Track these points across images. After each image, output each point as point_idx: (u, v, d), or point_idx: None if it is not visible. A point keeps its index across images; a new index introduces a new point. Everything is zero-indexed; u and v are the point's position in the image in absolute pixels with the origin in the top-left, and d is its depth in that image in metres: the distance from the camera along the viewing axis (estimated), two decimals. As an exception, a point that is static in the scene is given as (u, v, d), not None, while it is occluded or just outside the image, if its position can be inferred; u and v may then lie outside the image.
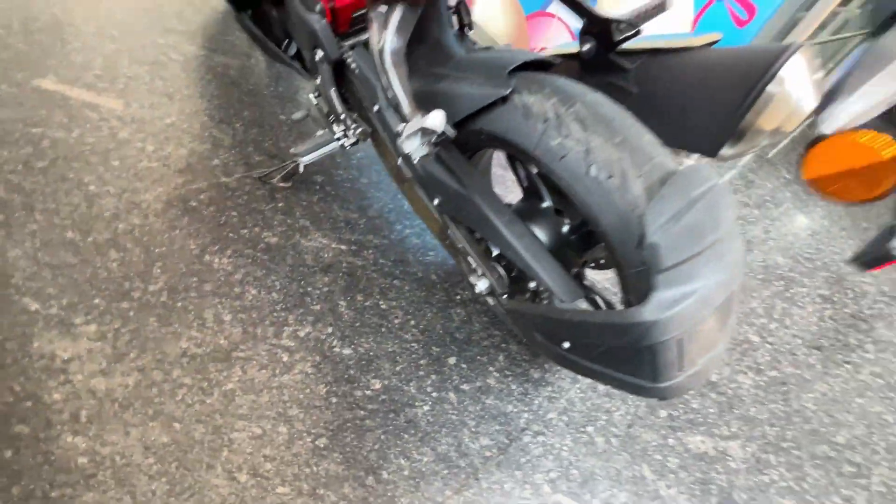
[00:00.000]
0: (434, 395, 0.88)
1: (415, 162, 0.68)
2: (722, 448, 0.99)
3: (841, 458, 1.07)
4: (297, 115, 1.00)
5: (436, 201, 0.73)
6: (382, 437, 0.80)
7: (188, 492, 0.68)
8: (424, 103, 0.67)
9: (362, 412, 0.82)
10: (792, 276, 1.49)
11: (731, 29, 1.20)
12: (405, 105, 0.62)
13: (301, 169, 0.99)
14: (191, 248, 0.92)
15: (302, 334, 0.88)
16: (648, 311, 0.50)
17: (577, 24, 1.48)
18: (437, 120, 0.58)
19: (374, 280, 1.00)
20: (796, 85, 0.55)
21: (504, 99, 0.60)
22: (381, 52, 0.62)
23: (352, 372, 0.86)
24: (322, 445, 0.77)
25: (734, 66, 0.59)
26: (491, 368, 0.95)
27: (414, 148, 0.60)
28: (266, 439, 0.75)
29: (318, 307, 0.92)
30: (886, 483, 1.06)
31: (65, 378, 0.72)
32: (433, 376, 0.90)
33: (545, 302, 0.77)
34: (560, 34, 1.60)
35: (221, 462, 0.71)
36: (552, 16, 1.59)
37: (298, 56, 0.94)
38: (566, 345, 0.62)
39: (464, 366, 0.93)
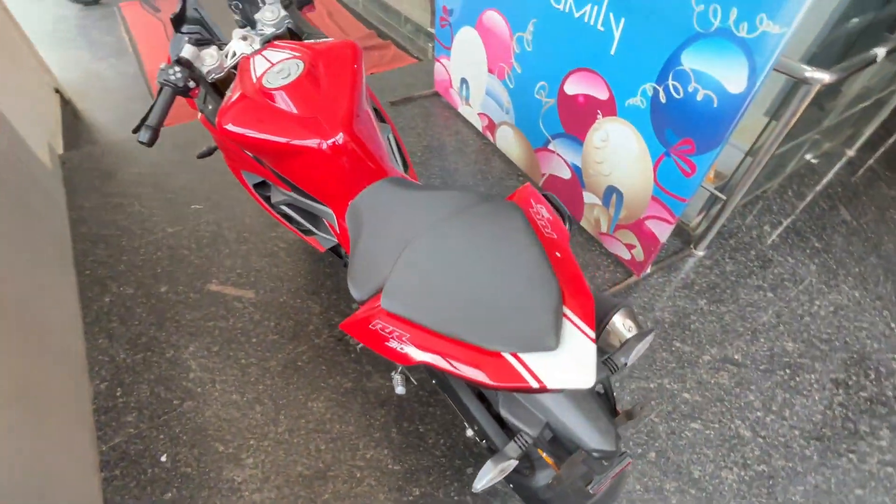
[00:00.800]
0: (456, 498, 1.28)
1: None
2: (695, 540, 1.22)
3: (823, 549, 1.22)
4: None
5: (435, 381, 1.15)
6: (420, 530, 1.22)
7: (307, 567, 1.16)
8: None
9: (407, 512, 1.25)
10: (801, 363, 1.61)
11: (681, 178, 1.46)
12: None
13: (359, 349, 1.48)
14: (299, 398, 1.45)
15: (368, 456, 1.35)
16: (534, 481, 0.86)
17: (572, 158, 1.83)
18: (399, 389, 1.02)
19: (416, 409, 1.44)
20: (620, 323, 0.88)
21: None
22: None
23: (400, 483, 1.30)
24: (382, 536, 1.21)
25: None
26: (498, 475, 1.31)
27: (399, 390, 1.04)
28: (349, 532, 1.21)
29: (378, 434, 1.38)
30: (873, 575, 1.18)
31: (239, 494, 1.26)
32: (455, 483, 1.30)
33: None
34: (560, 165, 1.95)
35: (324, 547, 1.19)
36: (553, 151, 1.95)
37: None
38: (511, 485, 0.98)
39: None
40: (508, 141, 2.26)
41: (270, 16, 1.19)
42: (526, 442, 0.72)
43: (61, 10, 3.78)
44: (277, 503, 1.25)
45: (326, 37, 1.35)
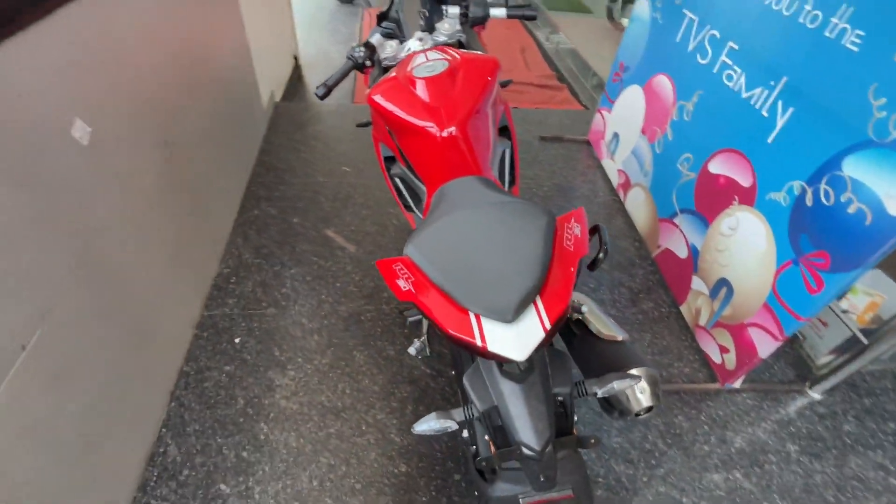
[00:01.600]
0: (434, 493, 1.30)
1: None
2: None
3: None
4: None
5: (454, 373, 1.21)
6: (391, 502, 1.28)
7: (305, 461, 1.31)
8: None
9: (386, 481, 1.32)
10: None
11: (803, 293, 1.28)
12: None
13: (408, 324, 1.61)
14: (349, 345, 1.64)
15: (378, 417, 1.45)
16: (492, 489, 0.86)
17: (693, 238, 1.72)
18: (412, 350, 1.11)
19: (436, 399, 1.50)
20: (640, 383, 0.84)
21: None
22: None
23: (393, 453, 1.37)
24: (358, 488, 1.30)
25: (611, 360, 0.90)
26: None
27: None
28: (335, 468, 1.33)
29: (395, 404, 1.49)
30: None
31: (272, 394, 1.48)
32: (438, 481, 1.33)
33: None
34: (679, 242, 1.85)
35: (316, 462, 1.33)
36: (676, 226, 1.86)
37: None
38: (476, 493, 0.99)
39: (463, 485, 1.32)
40: (637, 203, 2.20)
41: (448, 27, 1.41)
42: (472, 414, 0.75)
43: (325, 1, 4.80)
44: (295, 415, 1.44)
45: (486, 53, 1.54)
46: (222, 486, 1.27)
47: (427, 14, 1.42)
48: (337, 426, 1.42)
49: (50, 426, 0.96)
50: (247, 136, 2.33)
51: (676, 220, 1.88)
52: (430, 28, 1.45)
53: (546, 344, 0.69)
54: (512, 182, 1.50)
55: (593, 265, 0.81)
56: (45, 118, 0.96)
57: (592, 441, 0.76)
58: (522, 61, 3.80)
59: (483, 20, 1.42)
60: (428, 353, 1.13)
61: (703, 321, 1.70)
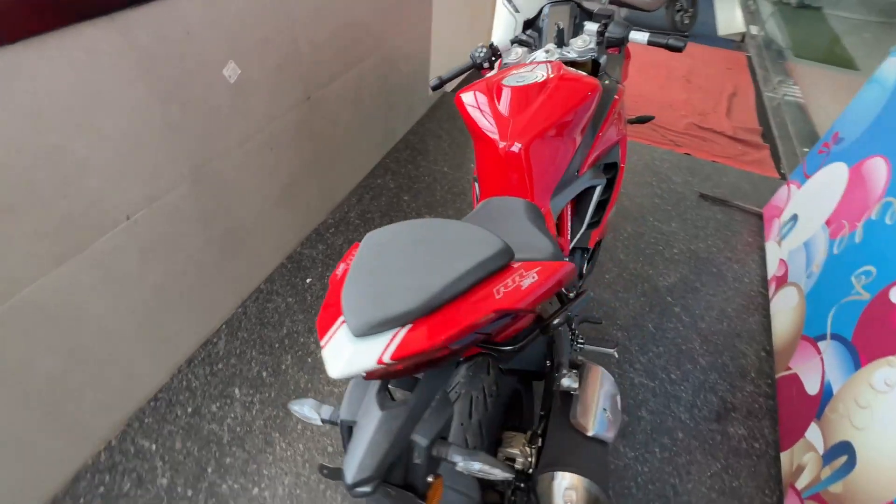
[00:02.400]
0: (387, 495, 1.28)
1: None
2: None
3: None
4: None
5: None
6: (347, 479, 1.30)
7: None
8: None
9: (355, 459, 1.34)
10: None
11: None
12: None
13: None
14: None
15: (380, 400, 1.48)
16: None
17: (833, 376, 1.30)
18: None
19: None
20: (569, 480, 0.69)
21: None
22: None
23: (374, 438, 1.39)
24: (330, 451, 1.36)
25: (560, 449, 0.74)
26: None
27: None
28: (321, 424, 1.41)
29: (399, 395, 1.49)
30: None
31: (308, 335, 1.64)
32: (398, 486, 1.29)
33: None
34: (814, 373, 1.42)
35: (303, 414, 1.43)
36: (818, 353, 1.42)
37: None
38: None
39: (418, 503, 1.26)
40: (785, 306, 1.72)
41: (581, 44, 1.31)
42: (333, 419, 0.71)
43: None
44: (316, 362, 1.57)
45: (618, 83, 1.38)
46: (236, 391, 1.47)
47: (560, 27, 1.33)
48: (343, 388, 1.50)
49: (133, 285, 1.25)
50: (400, 115, 2.55)
51: (822, 345, 1.41)
52: (561, 43, 1.37)
53: (384, 376, 0.62)
54: (594, 224, 1.33)
55: (546, 329, 0.68)
56: (205, 54, 1.22)
57: None
58: (725, 106, 3.26)
59: (620, 42, 1.27)
60: None
61: (800, 483, 1.26)
